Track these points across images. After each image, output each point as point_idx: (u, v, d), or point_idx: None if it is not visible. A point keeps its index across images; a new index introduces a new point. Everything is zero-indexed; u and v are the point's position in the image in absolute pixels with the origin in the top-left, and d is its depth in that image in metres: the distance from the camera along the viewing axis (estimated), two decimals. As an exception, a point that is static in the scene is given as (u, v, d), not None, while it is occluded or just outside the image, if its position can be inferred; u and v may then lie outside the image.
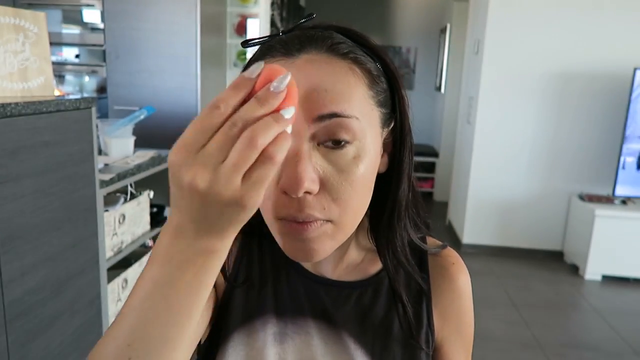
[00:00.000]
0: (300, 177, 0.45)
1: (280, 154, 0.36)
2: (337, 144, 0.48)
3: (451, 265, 0.65)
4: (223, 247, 0.40)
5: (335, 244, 0.52)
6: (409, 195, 0.58)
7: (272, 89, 0.37)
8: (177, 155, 0.36)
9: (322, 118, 0.46)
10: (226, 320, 0.61)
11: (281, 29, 0.52)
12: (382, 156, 0.55)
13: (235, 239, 0.61)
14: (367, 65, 0.51)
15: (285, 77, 0.38)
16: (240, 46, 3.49)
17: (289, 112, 0.37)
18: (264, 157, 0.36)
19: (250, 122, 0.36)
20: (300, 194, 0.46)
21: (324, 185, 0.48)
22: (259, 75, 0.38)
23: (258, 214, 0.58)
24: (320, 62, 0.48)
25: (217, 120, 0.36)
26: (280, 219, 0.49)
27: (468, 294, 0.65)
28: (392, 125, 0.55)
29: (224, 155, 0.35)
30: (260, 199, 0.37)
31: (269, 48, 0.51)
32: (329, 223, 0.50)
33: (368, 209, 0.54)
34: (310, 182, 0.46)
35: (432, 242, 0.67)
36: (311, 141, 0.47)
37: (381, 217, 0.58)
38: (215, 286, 0.62)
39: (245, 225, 0.58)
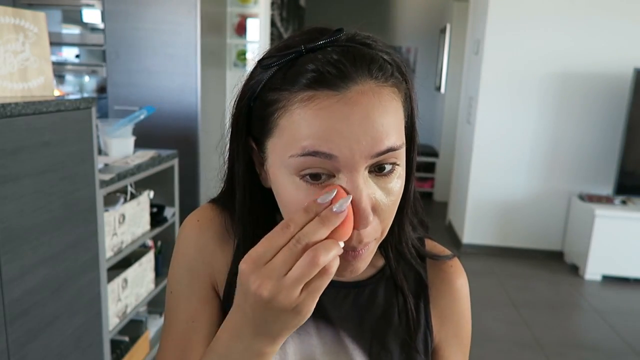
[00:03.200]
0: (366, 214, 0.46)
1: (334, 269, 0.43)
2: (387, 170, 0.49)
3: (449, 267, 0.65)
4: (272, 351, 0.47)
5: (373, 254, 0.53)
6: (414, 191, 0.59)
7: (334, 209, 0.43)
8: (248, 266, 0.43)
9: (379, 154, 0.47)
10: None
11: (302, 47, 0.48)
12: None
13: (228, 250, 0.61)
14: (402, 85, 0.51)
15: (347, 200, 0.44)
16: (240, 46, 3.50)
17: (342, 245, 0.44)
18: (322, 271, 0.42)
19: (312, 240, 0.42)
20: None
21: (374, 210, 0.49)
22: (330, 202, 0.44)
23: (249, 217, 0.59)
24: (370, 92, 0.47)
25: (285, 238, 0.43)
26: None
27: (466, 297, 0.66)
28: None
29: (288, 269, 0.42)
30: (313, 306, 0.44)
31: (299, 74, 0.47)
32: (374, 241, 0.51)
33: None
34: (371, 215, 0.47)
35: (432, 245, 0.67)
36: (364, 171, 0.48)
37: None
38: (217, 292, 0.63)
39: (237, 233, 0.58)
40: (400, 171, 0.51)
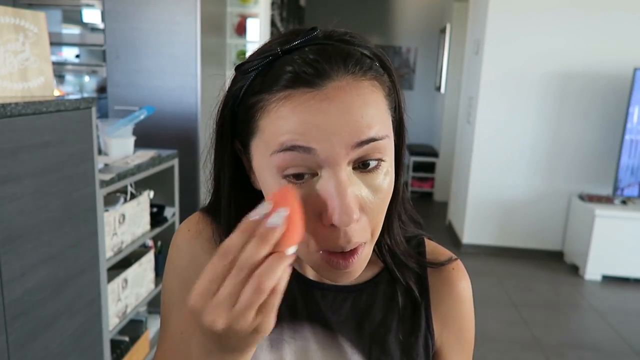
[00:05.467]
0: (350, 209, 0.45)
1: (283, 285, 0.41)
2: (372, 166, 0.48)
3: (451, 270, 0.64)
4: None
5: (369, 257, 0.52)
6: (404, 187, 0.59)
7: (267, 225, 0.41)
8: (196, 302, 0.42)
9: (361, 144, 0.46)
10: None
11: (278, 49, 0.48)
12: None
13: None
14: (383, 77, 0.50)
15: (281, 214, 0.41)
16: (240, 46, 3.50)
17: (292, 250, 0.42)
18: (271, 291, 0.40)
19: (255, 264, 0.40)
20: (351, 225, 0.47)
21: (362, 208, 0.48)
22: (266, 215, 0.41)
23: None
24: (348, 87, 0.46)
25: (226, 267, 0.41)
26: (324, 251, 0.49)
27: (468, 299, 0.65)
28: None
29: (236, 297, 0.41)
30: (273, 322, 0.42)
31: (277, 76, 0.47)
32: (366, 243, 0.50)
33: None
34: (357, 211, 0.46)
35: (433, 247, 0.66)
36: (347, 167, 0.47)
37: None
38: None
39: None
40: (388, 167, 0.50)
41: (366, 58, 0.49)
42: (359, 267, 0.51)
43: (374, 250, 0.60)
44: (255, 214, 0.42)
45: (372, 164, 0.48)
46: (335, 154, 0.45)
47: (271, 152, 0.47)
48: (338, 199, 0.45)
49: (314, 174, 0.47)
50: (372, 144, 0.47)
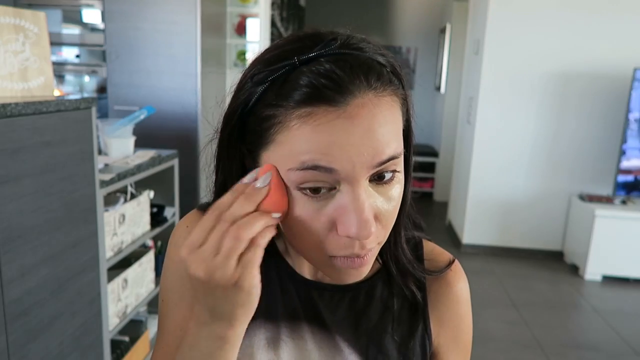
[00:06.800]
0: (369, 224, 0.46)
1: (263, 240, 0.45)
2: (387, 178, 0.49)
3: (449, 271, 0.64)
4: (234, 335, 0.49)
5: (375, 255, 0.54)
6: (410, 195, 0.59)
7: (257, 185, 0.46)
8: (184, 253, 0.45)
9: (381, 164, 0.47)
10: None
11: (295, 59, 0.46)
12: None
13: None
14: (400, 90, 0.50)
15: (269, 176, 0.46)
16: (240, 46, 3.50)
17: (276, 215, 0.47)
18: (251, 243, 0.44)
19: (238, 217, 0.45)
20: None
21: (376, 218, 0.49)
22: (254, 179, 0.47)
23: None
24: (370, 104, 0.46)
25: (214, 220, 0.45)
26: (335, 256, 0.50)
27: (466, 300, 0.65)
28: None
29: (219, 248, 0.44)
30: (255, 279, 0.45)
31: (294, 89, 0.45)
32: (377, 245, 0.52)
33: None
34: (374, 225, 0.48)
35: (431, 247, 0.66)
36: (365, 181, 0.47)
37: None
38: None
39: None
40: (400, 177, 0.51)
41: (384, 69, 0.48)
42: (367, 267, 0.52)
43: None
44: (245, 179, 0.48)
45: (388, 176, 0.49)
46: (356, 173, 0.46)
47: (289, 167, 0.46)
48: (356, 213, 0.46)
49: (332, 188, 0.47)
50: (391, 161, 0.48)
